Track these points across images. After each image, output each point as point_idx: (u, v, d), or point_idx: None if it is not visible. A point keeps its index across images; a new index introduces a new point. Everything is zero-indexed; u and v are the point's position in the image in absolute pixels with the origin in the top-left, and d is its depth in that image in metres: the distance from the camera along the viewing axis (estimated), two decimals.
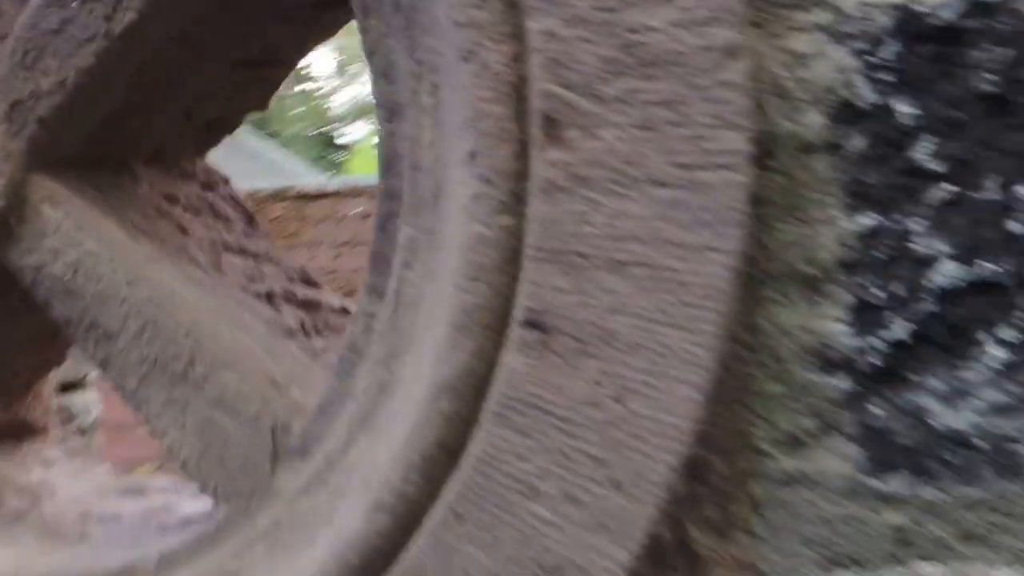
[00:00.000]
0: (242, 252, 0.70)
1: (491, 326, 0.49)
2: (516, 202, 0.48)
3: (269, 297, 0.67)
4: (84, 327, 0.61)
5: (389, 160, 0.54)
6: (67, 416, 1.04)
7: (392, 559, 0.52)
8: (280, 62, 0.70)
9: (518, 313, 0.49)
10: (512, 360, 0.49)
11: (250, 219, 0.74)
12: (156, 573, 0.61)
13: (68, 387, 1.02)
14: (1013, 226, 0.44)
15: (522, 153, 0.47)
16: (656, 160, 0.46)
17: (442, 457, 0.51)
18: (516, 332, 0.49)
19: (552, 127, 0.47)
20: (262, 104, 0.73)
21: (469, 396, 0.50)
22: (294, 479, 0.58)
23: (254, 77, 0.70)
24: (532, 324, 0.49)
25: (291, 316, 0.66)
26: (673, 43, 0.45)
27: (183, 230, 0.67)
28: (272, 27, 0.67)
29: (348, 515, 0.53)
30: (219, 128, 0.73)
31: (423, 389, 0.51)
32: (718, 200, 0.45)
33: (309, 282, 0.72)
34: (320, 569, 0.54)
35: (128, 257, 0.61)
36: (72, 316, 0.61)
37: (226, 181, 0.73)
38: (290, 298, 0.68)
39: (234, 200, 0.73)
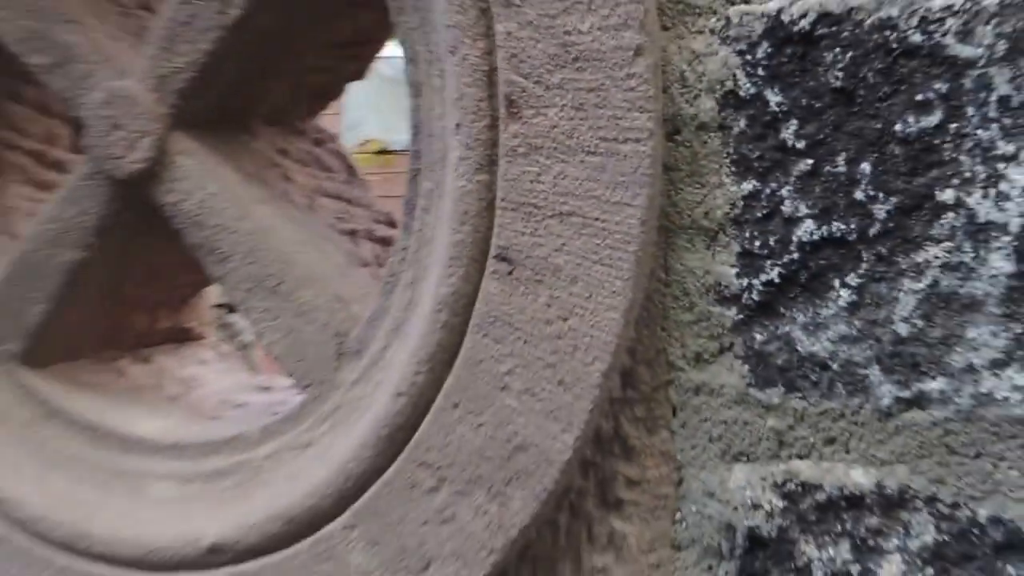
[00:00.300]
0: (338, 197, 0.88)
1: (474, 258, 0.65)
2: (489, 163, 0.63)
3: (352, 233, 0.85)
4: (206, 251, 0.81)
5: (415, 128, 0.70)
6: (231, 332, 1.28)
7: (409, 433, 0.69)
8: (369, 41, 0.87)
9: (492, 249, 0.64)
10: (488, 285, 0.64)
11: (351, 170, 0.92)
12: (258, 440, 0.81)
13: (233, 308, 1.25)
14: (857, 194, 0.55)
15: (493, 125, 0.62)
16: (586, 134, 0.59)
17: (442, 356, 0.67)
18: (491, 264, 0.64)
19: (513, 106, 0.61)
20: (359, 75, 0.91)
21: (460, 311, 0.66)
22: (350, 374, 0.76)
23: (350, 54, 0.87)
24: (502, 258, 0.64)
25: (367, 249, 0.84)
26: (596, 43, 0.58)
27: (288, 178, 0.86)
28: (360, 13, 0.84)
29: (381, 400, 0.71)
30: (325, 95, 0.91)
31: (429, 305, 0.67)
32: (631, 166, 0.58)
33: (391, 223, 0.89)
34: (361, 442, 0.71)
35: (240, 198, 0.81)
36: (198, 242, 0.81)
37: (333, 138, 0.91)
38: (370, 235, 0.86)
39: (338, 154, 0.91)
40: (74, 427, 0.89)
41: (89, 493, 0.85)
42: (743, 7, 0.56)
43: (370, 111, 4.22)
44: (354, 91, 0.92)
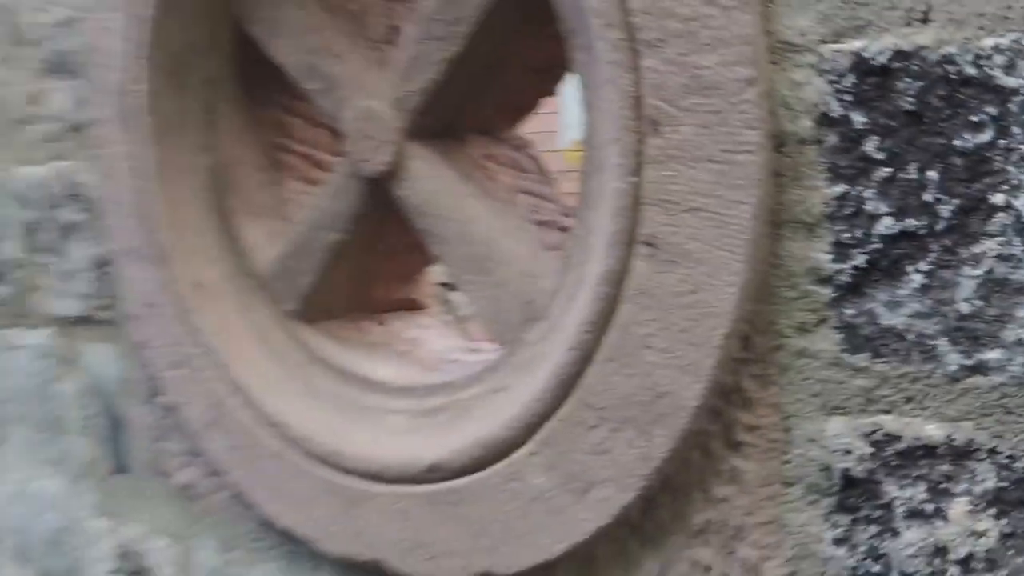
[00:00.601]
0: (531, 193, 1.07)
1: (626, 244, 0.81)
2: (638, 169, 0.79)
3: (542, 223, 1.04)
4: (430, 236, 1.02)
5: (586, 139, 0.88)
6: (450, 307, 1.50)
7: (576, 381, 0.87)
8: (558, 67, 1.05)
9: (639, 237, 0.80)
10: (636, 265, 0.81)
11: (543, 171, 1.11)
12: (465, 385, 1.02)
13: (453, 287, 1.47)
14: (926, 196, 0.67)
15: (640, 140, 0.79)
16: (711, 147, 0.75)
17: (602, 321, 0.85)
18: (638, 248, 0.81)
19: (655, 124, 0.78)
20: (551, 93, 1.09)
21: (615, 285, 0.83)
22: (535, 334, 0.95)
23: (544, 77, 1.06)
24: (647, 243, 0.80)
25: (553, 236, 1.03)
26: (718, 76, 0.73)
27: (492, 178, 1.06)
28: (551, 43, 1.02)
29: (557, 354, 0.89)
30: (524, 109, 1.10)
31: (593, 280, 0.85)
32: (746, 172, 0.73)
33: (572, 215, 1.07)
34: (542, 387, 0.90)
35: (456, 194, 1.02)
36: (424, 228, 1.03)
37: (528, 145, 1.10)
38: (557, 225, 1.05)
39: (533, 158, 1.10)
40: (331, 370, 1.14)
41: (342, 422, 1.09)
42: (833, 46, 0.69)
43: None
44: (571, 97, 1.10)
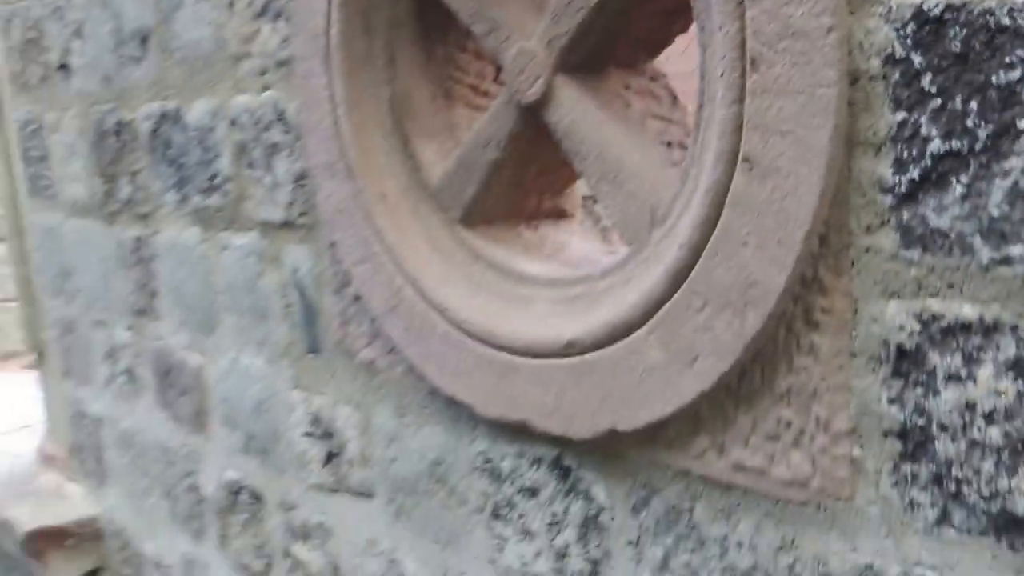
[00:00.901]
0: (662, 118, 1.26)
1: (729, 161, 1.00)
2: (740, 99, 0.98)
3: (669, 144, 1.23)
4: (574, 154, 1.23)
5: (701, 74, 1.06)
6: (595, 218, 1.71)
7: (687, 273, 1.07)
8: (688, 10, 1.22)
9: (740, 154, 0.99)
10: (737, 178, 1.00)
11: (674, 99, 1.30)
12: (599, 278, 1.24)
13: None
14: (968, 122, 0.84)
15: (742, 75, 0.97)
16: (798, 82, 0.93)
17: (709, 223, 1.04)
18: (739, 165, 0.99)
19: (754, 63, 0.96)
20: (684, 30, 1.27)
21: (720, 194, 1.02)
22: (657, 235, 1.15)
23: (676, 19, 1.24)
24: (745, 159, 0.99)
25: (678, 155, 1.22)
26: (805, 24, 0.91)
27: (628, 105, 1.25)
28: None
29: (672, 251, 1.09)
30: (660, 45, 1.28)
31: (703, 189, 1.04)
32: (825, 103, 0.91)
33: None
34: (659, 277, 1.10)
35: (596, 119, 1.22)
36: (570, 148, 1.24)
37: (664, 76, 1.29)
38: (681, 145, 1.24)
39: (666, 87, 1.29)
40: (489, 266, 1.38)
41: (497, 307, 1.33)
42: (901, 0, 0.86)
43: None
44: None
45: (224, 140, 1.78)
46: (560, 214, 1.48)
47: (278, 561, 1.90)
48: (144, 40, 1.93)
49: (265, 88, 1.66)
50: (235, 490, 1.99)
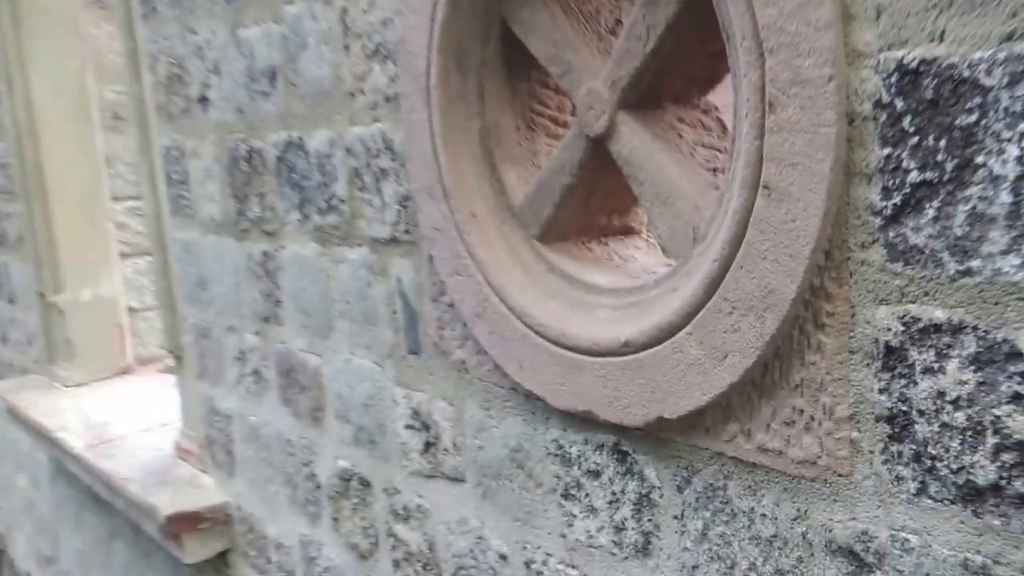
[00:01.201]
0: (710, 147, 1.45)
1: (752, 187, 1.19)
2: (760, 136, 1.16)
3: (714, 170, 1.42)
4: (632, 179, 1.43)
5: (734, 113, 1.25)
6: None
7: (719, 283, 1.26)
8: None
9: (761, 182, 1.18)
10: (758, 202, 1.18)
11: (723, 129, 1.48)
12: (652, 287, 1.43)
13: None
14: (939, 156, 1.01)
15: (762, 116, 1.15)
16: (805, 122, 1.11)
17: (736, 240, 1.23)
18: (760, 191, 1.18)
19: (771, 106, 1.14)
20: (729, 71, 1.46)
21: (745, 215, 1.20)
22: (697, 251, 1.34)
23: (721, 60, 1.43)
24: (765, 187, 1.17)
25: (721, 180, 1.41)
26: (810, 73, 1.09)
27: (680, 136, 1.45)
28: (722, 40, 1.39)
29: (707, 264, 1.28)
30: (710, 83, 1.48)
31: (731, 211, 1.23)
32: (826, 139, 1.09)
33: None
34: (697, 287, 1.30)
35: (651, 148, 1.42)
36: (629, 174, 1.44)
37: (715, 108, 1.48)
38: (724, 172, 1.42)
39: (717, 119, 1.48)
40: (562, 277, 1.58)
41: (567, 313, 1.54)
42: (885, 54, 1.03)
43: None
44: None
45: (340, 166, 2.04)
46: (627, 231, 1.68)
47: (383, 540, 2.14)
48: (272, 77, 2.22)
49: (375, 120, 1.91)
50: (346, 477, 2.24)
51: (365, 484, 2.17)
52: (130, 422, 3.68)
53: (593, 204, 1.61)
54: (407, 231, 1.88)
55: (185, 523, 2.81)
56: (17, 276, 4.62)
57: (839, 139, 1.09)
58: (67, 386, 4.18)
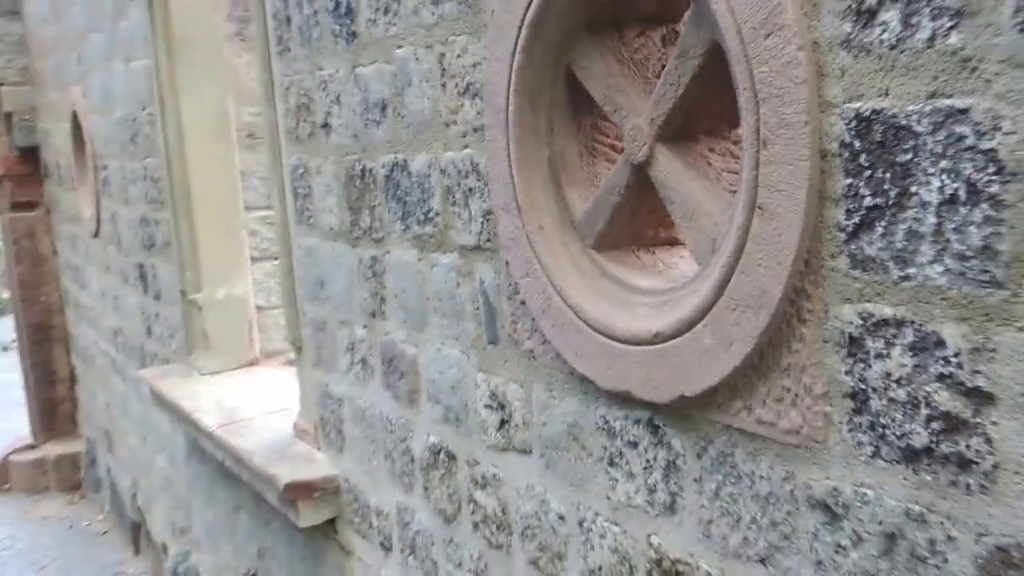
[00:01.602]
0: (734, 173, 1.74)
1: (750, 207, 1.47)
2: (756, 166, 1.44)
3: (734, 192, 1.70)
4: (667, 199, 1.73)
5: (743, 147, 1.53)
6: None
7: (726, 285, 1.54)
8: None
9: (756, 203, 1.46)
10: (754, 220, 1.47)
11: None
12: (682, 288, 1.73)
13: None
14: (885, 186, 1.28)
15: (757, 151, 1.44)
16: (789, 156, 1.39)
17: (738, 250, 1.51)
18: (756, 210, 1.46)
19: (764, 143, 1.43)
20: None
21: (744, 231, 1.49)
22: (714, 260, 1.63)
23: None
24: (760, 207, 1.46)
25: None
26: (792, 119, 1.37)
27: (709, 163, 1.74)
28: None
29: (717, 270, 1.57)
30: (737, 121, 1.76)
31: (735, 227, 1.51)
32: (804, 171, 1.37)
33: None
34: (710, 287, 1.58)
35: (682, 175, 1.71)
36: (664, 195, 1.74)
37: (740, 139, 1.76)
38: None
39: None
40: (612, 281, 1.89)
41: (614, 310, 1.84)
42: (848, 104, 1.31)
43: None
44: None
45: (436, 185, 2.39)
46: (672, 242, 1.98)
47: (464, 506, 2.48)
48: (383, 108, 2.59)
49: (465, 147, 2.25)
50: (436, 451, 2.59)
51: (451, 457, 2.51)
52: (256, 406, 4.13)
53: (640, 219, 1.91)
54: (489, 240, 2.21)
55: (301, 491, 3.20)
56: (163, 276, 5.16)
57: (813, 171, 1.37)
58: (203, 374, 4.66)
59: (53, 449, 9.15)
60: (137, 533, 6.74)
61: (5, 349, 19.49)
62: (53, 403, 9.22)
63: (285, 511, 3.36)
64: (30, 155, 8.60)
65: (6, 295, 25.35)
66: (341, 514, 3.25)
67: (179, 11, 4.40)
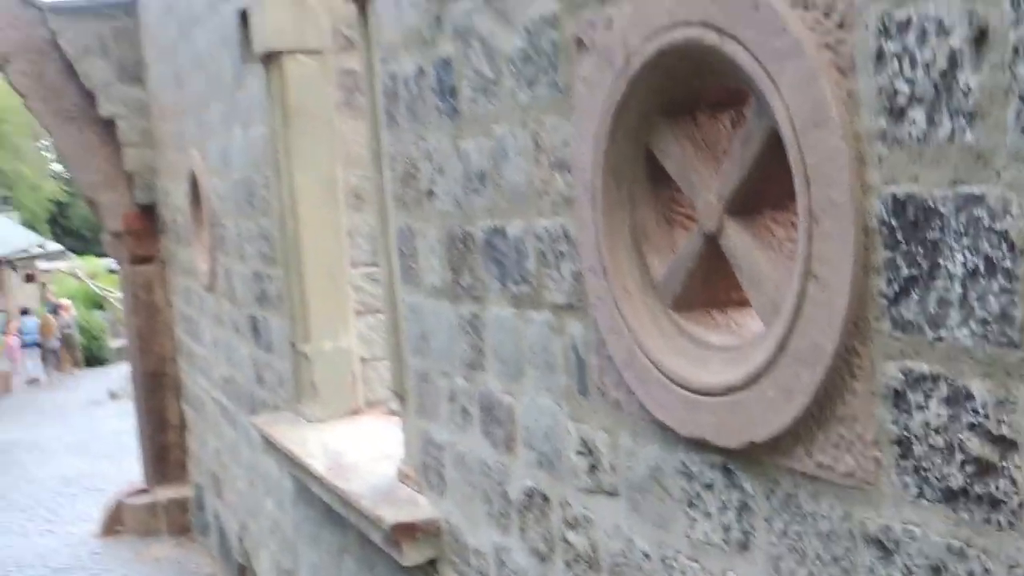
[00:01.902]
0: (795, 242, 1.94)
1: (805, 276, 1.67)
2: (809, 240, 1.65)
3: (792, 260, 1.91)
4: (735, 266, 1.94)
5: (799, 223, 1.74)
6: None
7: (785, 344, 1.74)
8: None
9: (811, 272, 1.66)
10: (809, 287, 1.67)
11: None
12: (748, 345, 1.93)
13: None
14: (919, 260, 1.48)
15: (810, 226, 1.64)
16: (836, 232, 1.59)
17: (796, 313, 1.71)
18: (810, 278, 1.67)
19: (815, 220, 1.63)
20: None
21: (801, 296, 1.69)
22: (776, 320, 1.83)
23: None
24: (813, 275, 1.66)
25: None
26: (839, 199, 1.58)
27: (773, 234, 1.94)
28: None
29: (778, 329, 1.77)
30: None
31: (793, 292, 1.72)
32: (851, 245, 1.57)
33: None
34: (773, 346, 1.79)
35: (749, 244, 1.92)
36: (732, 262, 1.95)
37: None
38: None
39: None
40: (689, 338, 2.10)
41: (690, 364, 2.05)
42: (885, 188, 1.51)
43: None
44: None
45: (530, 248, 2.64)
46: (743, 302, 2.18)
47: (558, 545, 2.69)
48: (482, 179, 2.86)
49: (556, 215, 2.50)
50: (530, 494, 2.81)
51: (545, 499, 2.72)
52: (360, 452, 4.41)
53: (712, 283, 2.12)
54: (578, 299, 2.45)
55: (405, 532, 3.45)
56: (274, 328, 5.53)
57: (858, 245, 1.57)
58: (310, 421, 4.98)
59: (164, 493, 9.64)
60: None
61: (113, 397, 20.42)
62: (164, 449, 9.73)
63: (389, 551, 3.61)
64: (148, 212, 9.21)
65: (114, 344, 26.55)
66: (442, 554, 3.48)
67: (294, 83, 4.79)
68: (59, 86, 8.81)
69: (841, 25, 1.57)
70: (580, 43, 2.29)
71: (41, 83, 8.81)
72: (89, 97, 8.79)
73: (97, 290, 29.65)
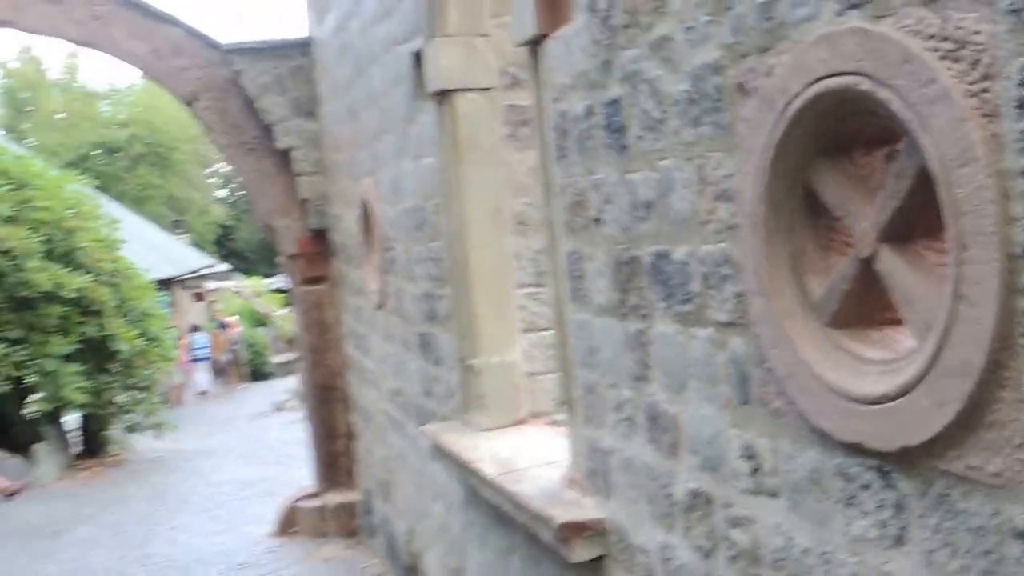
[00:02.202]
0: (946, 266, 2.13)
1: (956, 296, 1.88)
2: (959, 265, 1.85)
3: (943, 282, 2.10)
4: (888, 288, 2.15)
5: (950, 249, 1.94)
6: None
7: (937, 358, 1.95)
8: None
9: (961, 293, 1.86)
10: (960, 307, 1.87)
11: None
12: (902, 359, 2.13)
13: None
14: None
15: (959, 253, 1.85)
16: (982, 257, 1.80)
17: (945, 332, 1.91)
18: (960, 298, 1.87)
19: (963, 247, 1.84)
20: None
21: (952, 315, 1.89)
22: (928, 337, 2.03)
23: None
24: (962, 296, 1.86)
25: None
26: (984, 228, 1.78)
27: (925, 259, 2.14)
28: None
29: (929, 346, 1.97)
30: None
31: (943, 312, 1.92)
32: (995, 268, 1.77)
33: None
34: (925, 360, 1.99)
35: (904, 268, 2.13)
36: (886, 283, 2.16)
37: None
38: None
39: None
40: (846, 353, 2.31)
41: (848, 377, 2.26)
42: None
43: None
44: None
45: (695, 271, 2.90)
46: (896, 321, 2.38)
47: (720, 543, 2.92)
48: (649, 207, 3.14)
49: (719, 241, 2.75)
50: (694, 495, 3.05)
51: (708, 500, 2.96)
52: (527, 459, 4.73)
53: (867, 303, 2.33)
54: (740, 317, 2.69)
55: (574, 530, 3.74)
56: (443, 344, 5.93)
57: (1003, 269, 1.77)
58: (478, 430, 5.34)
59: (333, 498, 10.25)
60: None
61: (278, 409, 21.52)
62: (333, 456, 10.35)
63: (558, 549, 3.91)
64: (320, 236, 9.86)
65: (281, 359, 27.95)
66: (608, 552, 3.75)
67: (464, 118, 5.18)
68: (240, 121, 9.57)
69: (986, 76, 1.78)
70: (742, 87, 2.55)
71: (224, 118, 9.59)
72: (267, 130, 9.51)
73: (260, 308, 31.29)
